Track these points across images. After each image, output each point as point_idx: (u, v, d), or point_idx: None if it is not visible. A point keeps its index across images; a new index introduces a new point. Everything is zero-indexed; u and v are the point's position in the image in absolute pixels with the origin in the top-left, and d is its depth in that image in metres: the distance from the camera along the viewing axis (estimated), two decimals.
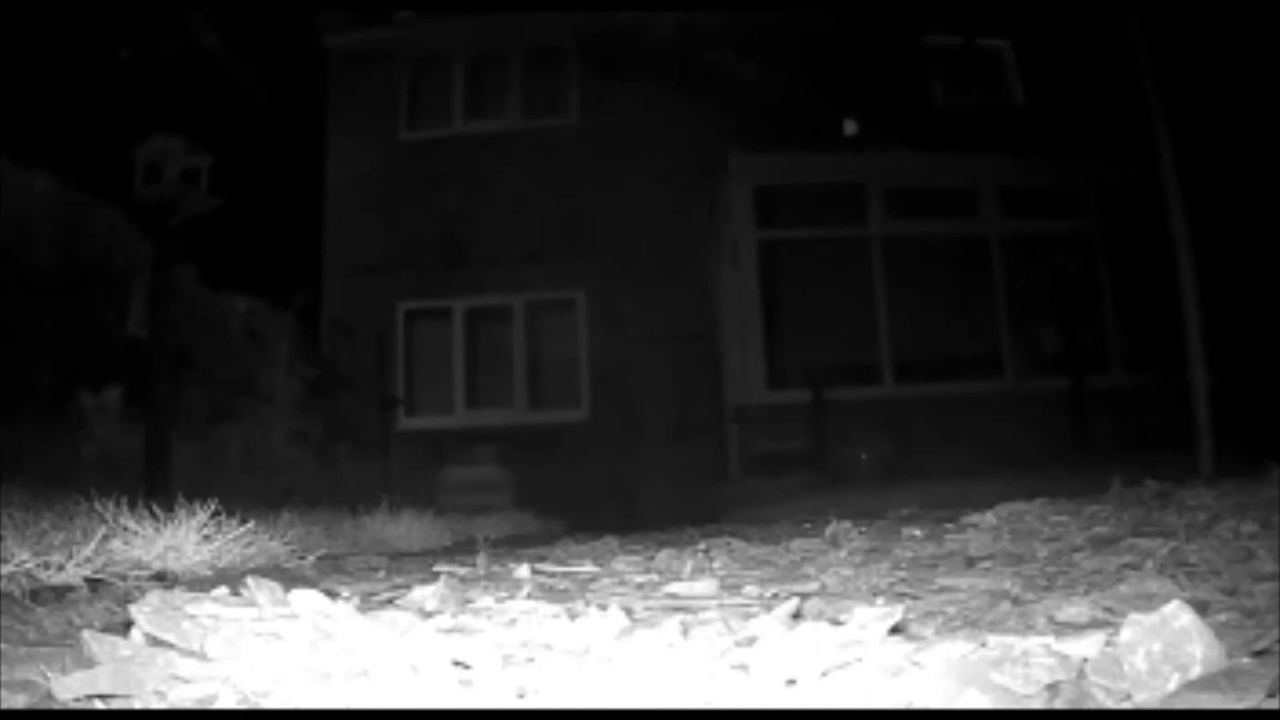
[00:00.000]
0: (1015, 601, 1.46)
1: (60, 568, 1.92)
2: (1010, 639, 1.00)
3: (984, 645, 0.98)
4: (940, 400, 8.50)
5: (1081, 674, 0.92)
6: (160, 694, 0.98)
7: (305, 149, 10.65)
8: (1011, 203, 9.44)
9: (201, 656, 1.05)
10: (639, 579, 2.06)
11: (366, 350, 9.79)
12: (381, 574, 2.38)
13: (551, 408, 10.02)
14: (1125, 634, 0.91)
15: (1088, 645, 0.96)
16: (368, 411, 9.51)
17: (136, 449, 6.16)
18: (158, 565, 2.20)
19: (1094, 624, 1.21)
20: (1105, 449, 6.96)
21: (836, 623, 1.06)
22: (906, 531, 2.69)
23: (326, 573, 2.44)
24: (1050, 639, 0.99)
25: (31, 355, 6.56)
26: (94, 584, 1.93)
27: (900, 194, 9.36)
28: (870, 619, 1.02)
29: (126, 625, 1.18)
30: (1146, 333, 8.44)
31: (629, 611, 1.41)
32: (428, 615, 1.39)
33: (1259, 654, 0.96)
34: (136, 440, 6.27)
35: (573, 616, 1.31)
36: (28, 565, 1.88)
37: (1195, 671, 0.87)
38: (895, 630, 1.05)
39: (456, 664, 1.00)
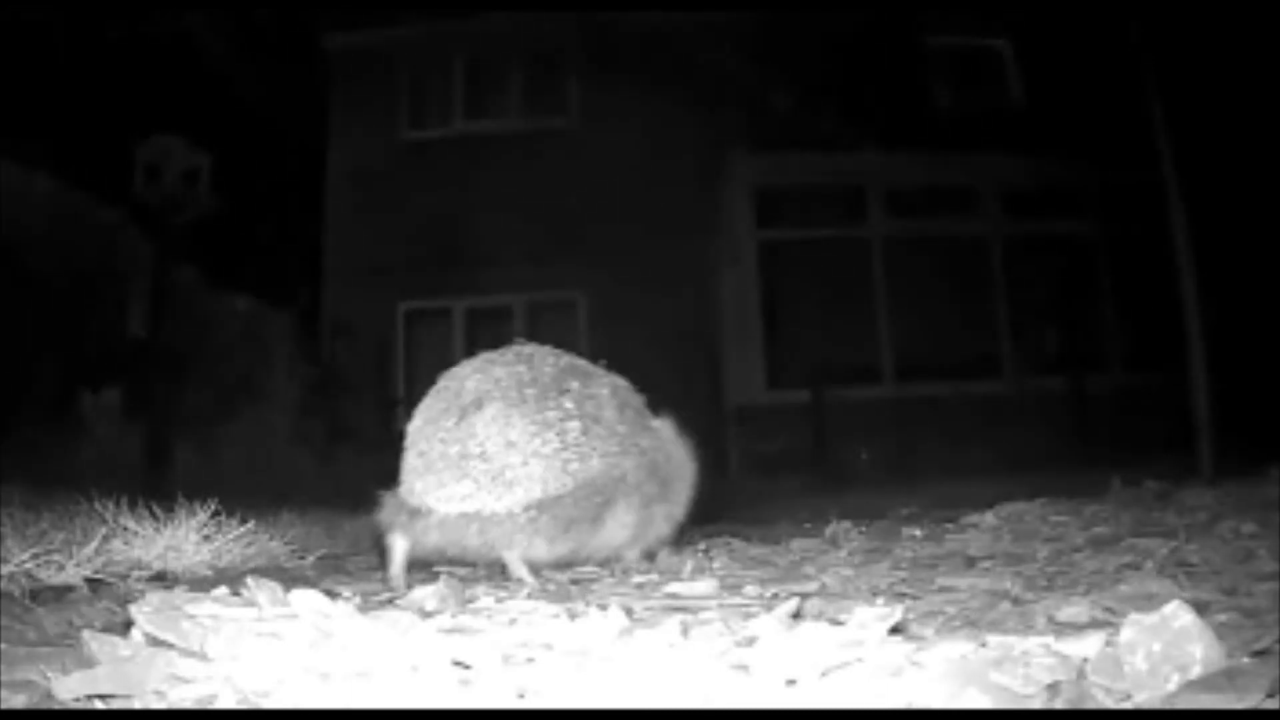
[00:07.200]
0: (1015, 601, 1.46)
1: (60, 568, 1.92)
2: (1010, 639, 1.00)
3: (984, 645, 0.99)
4: (940, 400, 8.50)
5: (1081, 674, 0.92)
6: (160, 694, 0.98)
7: (305, 149, 10.65)
8: (1011, 203, 9.44)
9: (201, 656, 1.05)
10: (639, 579, 2.06)
11: (366, 350, 9.78)
12: (382, 574, 2.38)
13: None
14: (1125, 634, 0.91)
15: (1088, 645, 0.96)
16: (368, 411, 9.50)
17: (136, 449, 6.16)
18: (158, 565, 2.20)
19: (1094, 624, 1.20)
20: (1105, 449, 6.96)
21: (836, 623, 1.06)
22: (906, 531, 2.68)
23: (326, 573, 2.44)
24: (1050, 639, 0.99)
25: (31, 355, 6.55)
26: (94, 584, 1.93)
27: (900, 194, 9.36)
28: (870, 619, 1.02)
29: (126, 625, 1.18)
30: (1146, 333, 8.44)
31: (629, 611, 1.41)
32: (428, 615, 1.39)
33: (1259, 654, 0.96)
34: (136, 440, 6.27)
35: (573, 616, 1.31)
36: (28, 565, 1.88)
37: (1195, 671, 0.87)
38: (895, 630, 1.05)
39: (456, 664, 1.00)
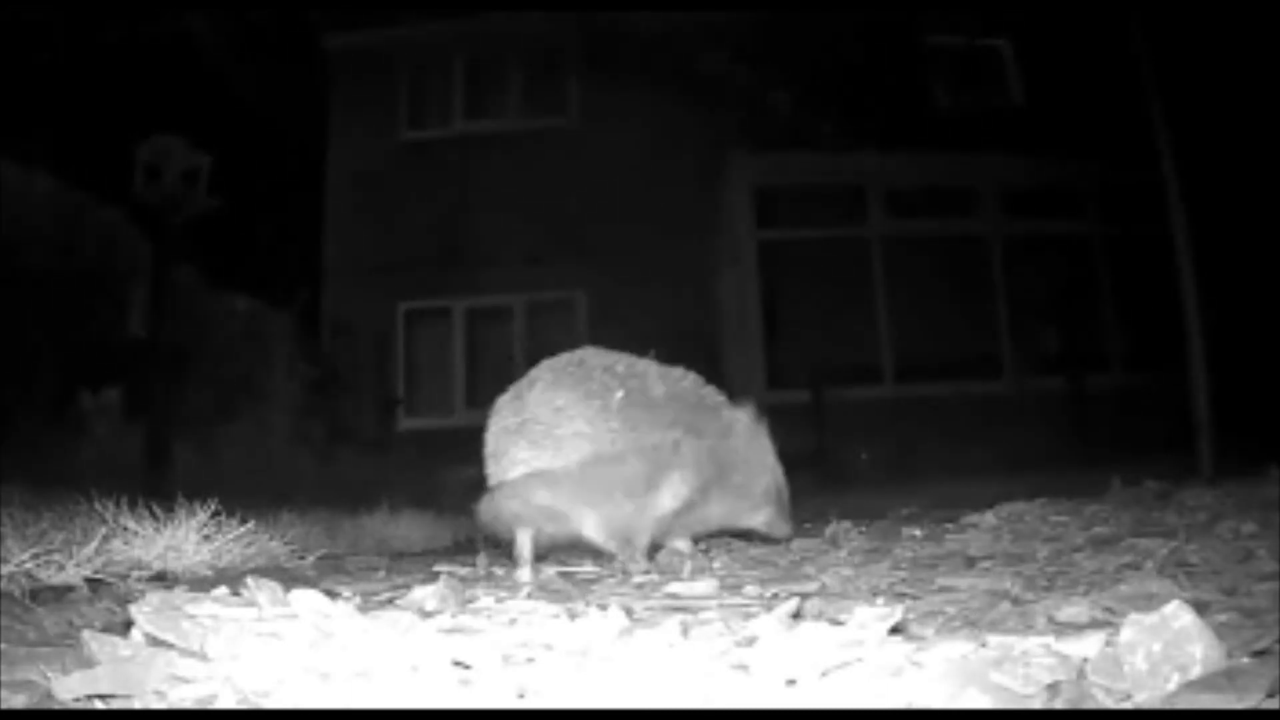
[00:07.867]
0: (1015, 601, 1.46)
1: (60, 568, 1.92)
2: (1010, 639, 1.00)
3: (984, 645, 0.99)
4: (940, 400, 8.50)
5: (1081, 674, 0.92)
6: (160, 694, 0.98)
7: (305, 149, 10.65)
8: (1011, 203, 9.44)
9: (201, 656, 1.05)
10: (639, 579, 2.06)
11: (366, 350, 9.78)
12: (381, 574, 2.38)
13: None
14: (1125, 634, 0.91)
15: (1088, 645, 0.96)
16: (368, 411, 9.50)
17: (136, 449, 6.16)
18: (158, 565, 2.20)
19: (1094, 624, 1.20)
20: (1105, 449, 6.95)
21: (836, 623, 1.06)
22: (906, 531, 2.69)
23: (326, 573, 2.44)
24: (1050, 639, 0.99)
25: (32, 355, 6.56)
26: (94, 584, 1.92)
27: (900, 194, 9.35)
28: (870, 619, 1.02)
29: (126, 625, 1.18)
30: (1146, 333, 8.43)
31: (629, 611, 1.41)
32: (428, 615, 1.39)
33: (1259, 654, 0.96)
34: (136, 440, 6.27)
35: (573, 616, 1.31)
36: (28, 565, 1.88)
37: (1195, 671, 0.87)
38: (895, 630, 1.04)
39: (456, 664, 1.00)
